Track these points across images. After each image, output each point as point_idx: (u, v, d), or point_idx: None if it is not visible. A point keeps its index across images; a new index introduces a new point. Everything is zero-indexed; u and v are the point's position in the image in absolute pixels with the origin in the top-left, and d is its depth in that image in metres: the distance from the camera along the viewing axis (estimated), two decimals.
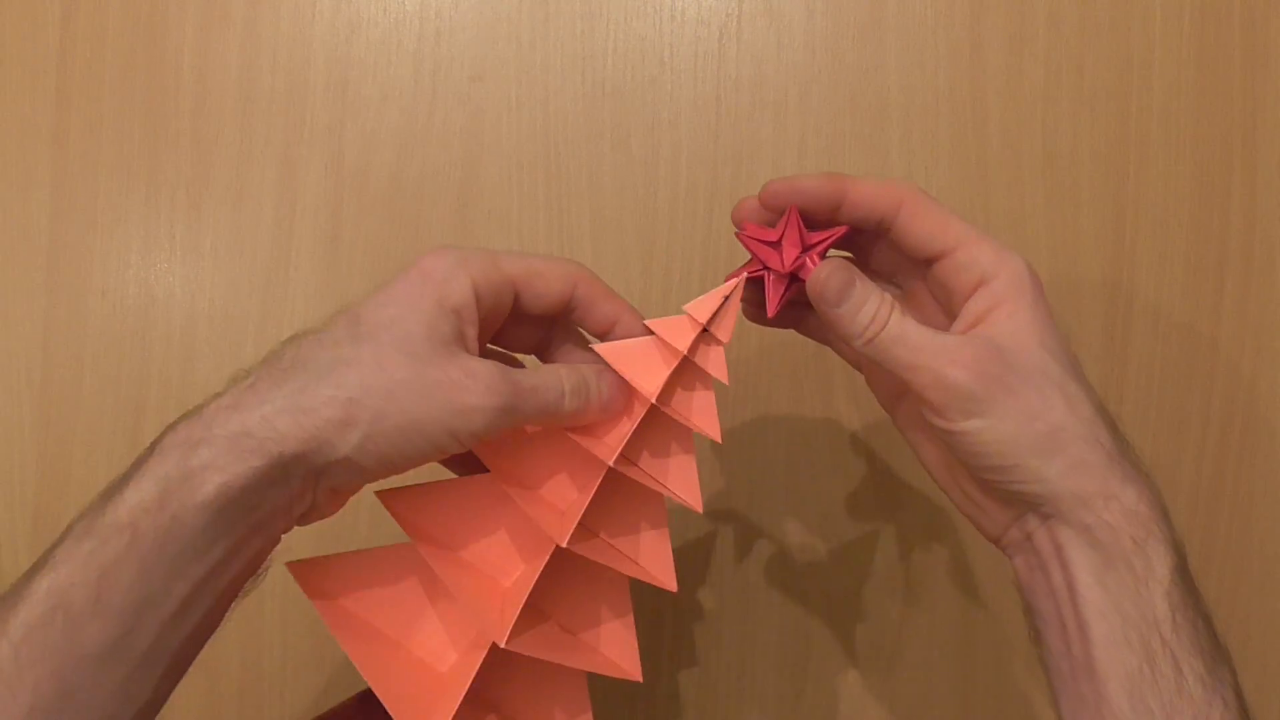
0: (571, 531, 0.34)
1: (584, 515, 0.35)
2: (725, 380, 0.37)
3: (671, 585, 0.37)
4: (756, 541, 0.53)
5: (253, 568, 0.33)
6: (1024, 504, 0.35)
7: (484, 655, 0.34)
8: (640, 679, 0.37)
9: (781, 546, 0.53)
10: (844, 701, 0.53)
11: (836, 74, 0.52)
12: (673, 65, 0.53)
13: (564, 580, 0.37)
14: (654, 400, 0.36)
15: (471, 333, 0.34)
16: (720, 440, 0.37)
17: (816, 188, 0.36)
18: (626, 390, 0.37)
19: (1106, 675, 0.33)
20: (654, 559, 0.38)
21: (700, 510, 0.37)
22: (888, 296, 0.36)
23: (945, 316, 0.38)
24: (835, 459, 0.53)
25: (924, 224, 0.36)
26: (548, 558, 0.35)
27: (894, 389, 0.39)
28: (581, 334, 0.40)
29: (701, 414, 0.38)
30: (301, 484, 0.32)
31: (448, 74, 0.54)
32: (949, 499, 0.39)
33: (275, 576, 0.35)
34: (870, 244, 0.39)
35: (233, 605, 0.34)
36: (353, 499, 0.35)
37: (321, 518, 0.35)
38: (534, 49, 0.53)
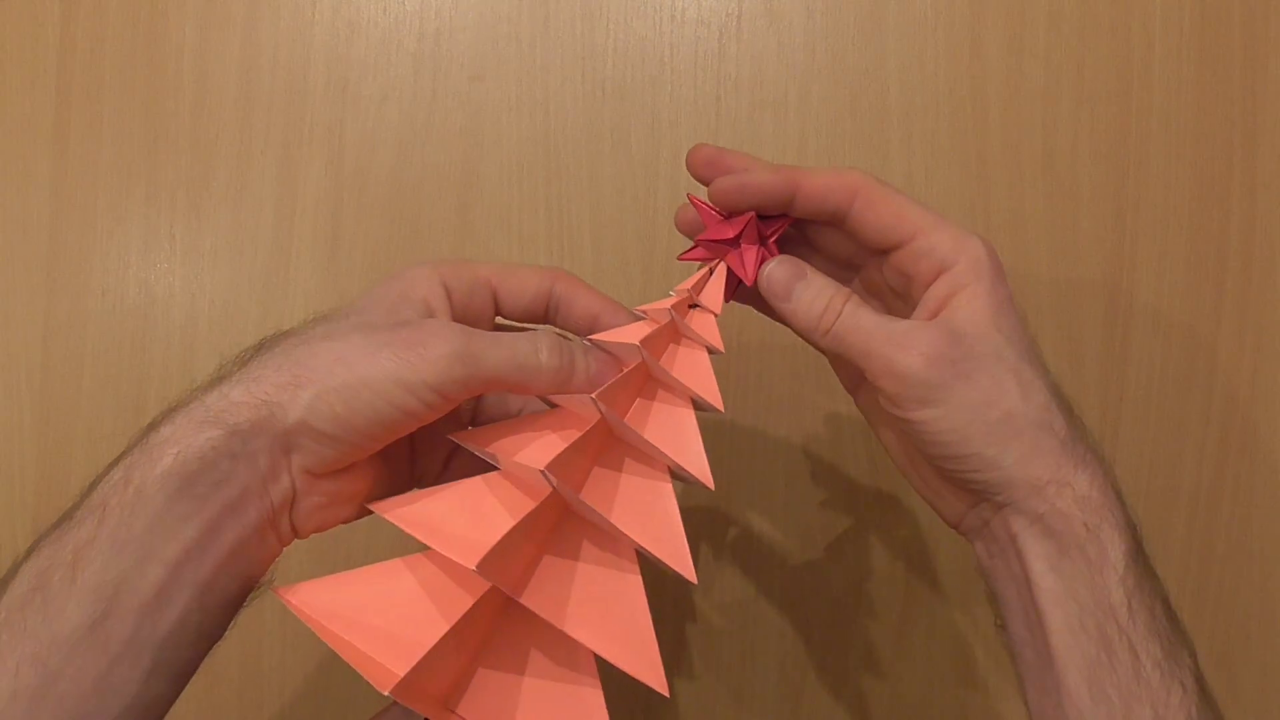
0: (551, 460, 0.31)
1: (585, 495, 0.34)
2: (720, 347, 0.36)
3: (689, 573, 0.34)
4: (756, 542, 0.53)
5: (246, 570, 0.32)
6: (979, 492, 0.35)
7: (475, 598, 0.32)
8: (665, 690, 0.33)
9: (781, 546, 0.53)
10: (844, 702, 0.53)
11: (836, 74, 0.52)
12: (673, 65, 0.53)
13: (569, 572, 0.35)
14: (638, 342, 0.34)
15: (443, 318, 0.34)
16: (722, 409, 0.35)
17: (769, 184, 0.36)
18: (618, 369, 0.36)
19: (1065, 664, 0.32)
20: (666, 542, 0.35)
21: (711, 485, 0.34)
22: (842, 288, 0.35)
23: (906, 305, 0.37)
24: (835, 459, 0.53)
25: (879, 214, 0.36)
26: (537, 503, 0.33)
27: (855, 374, 0.39)
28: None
29: (699, 382, 0.36)
30: (269, 459, 0.31)
31: (448, 74, 0.54)
32: (909, 483, 0.39)
33: (275, 575, 0.35)
34: (833, 232, 0.39)
35: (235, 617, 0.33)
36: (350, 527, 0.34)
37: (316, 526, 0.34)
38: (534, 49, 0.53)
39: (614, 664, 0.32)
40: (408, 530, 0.33)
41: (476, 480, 0.35)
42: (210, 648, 0.32)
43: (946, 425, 0.33)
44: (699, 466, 0.35)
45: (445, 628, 0.31)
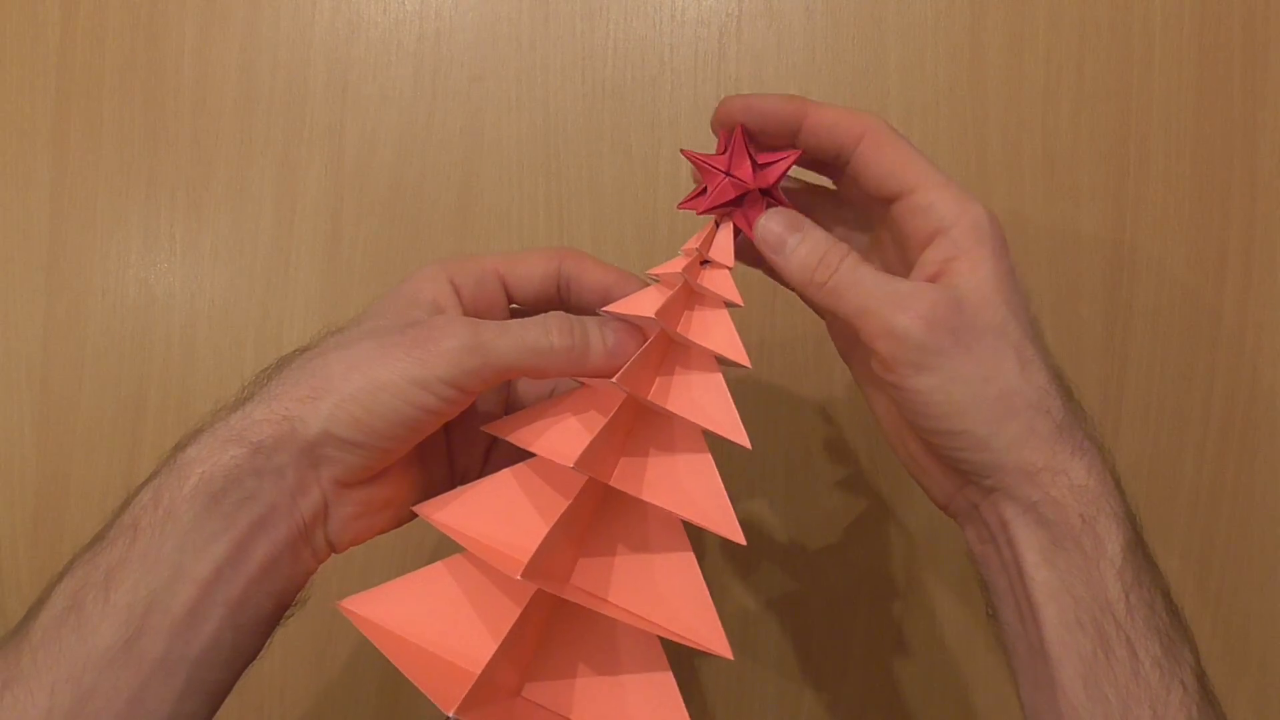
0: (581, 453, 0.31)
1: (619, 473, 0.33)
2: (738, 300, 0.34)
3: (738, 537, 0.33)
4: (755, 540, 0.53)
5: (278, 587, 0.32)
6: (967, 472, 0.33)
7: (522, 605, 0.32)
8: (728, 653, 0.32)
9: (782, 547, 0.53)
10: (844, 702, 0.53)
11: (836, 74, 0.52)
12: (673, 65, 0.53)
13: (615, 543, 0.35)
14: (654, 314, 0.33)
15: (454, 314, 0.34)
16: (749, 364, 0.33)
17: (774, 108, 0.35)
18: (637, 337, 0.35)
19: (1060, 660, 0.31)
20: (710, 511, 0.34)
21: (748, 444, 0.33)
22: (840, 243, 0.34)
23: (900, 268, 0.35)
24: (835, 459, 0.53)
25: (883, 159, 0.34)
26: (573, 496, 0.33)
27: (851, 336, 0.37)
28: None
29: (722, 341, 0.34)
30: (296, 474, 0.31)
31: (448, 74, 0.54)
32: (896, 457, 0.37)
33: (311, 593, 0.35)
34: (843, 181, 0.37)
35: (270, 636, 0.33)
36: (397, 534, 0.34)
37: (354, 538, 0.34)
38: (534, 49, 0.53)
39: (680, 638, 0.32)
40: (452, 536, 0.33)
41: (510, 475, 0.35)
42: (245, 667, 0.32)
43: (940, 397, 0.32)
44: (733, 429, 0.34)
45: (494, 646, 0.31)
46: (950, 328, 0.31)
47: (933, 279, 0.33)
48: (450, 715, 0.29)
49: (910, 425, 0.35)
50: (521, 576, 0.30)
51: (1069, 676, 0.31)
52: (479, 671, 0.30)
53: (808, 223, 0.34)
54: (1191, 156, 0.51)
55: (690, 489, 0.34)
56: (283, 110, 0.54)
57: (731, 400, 0.34)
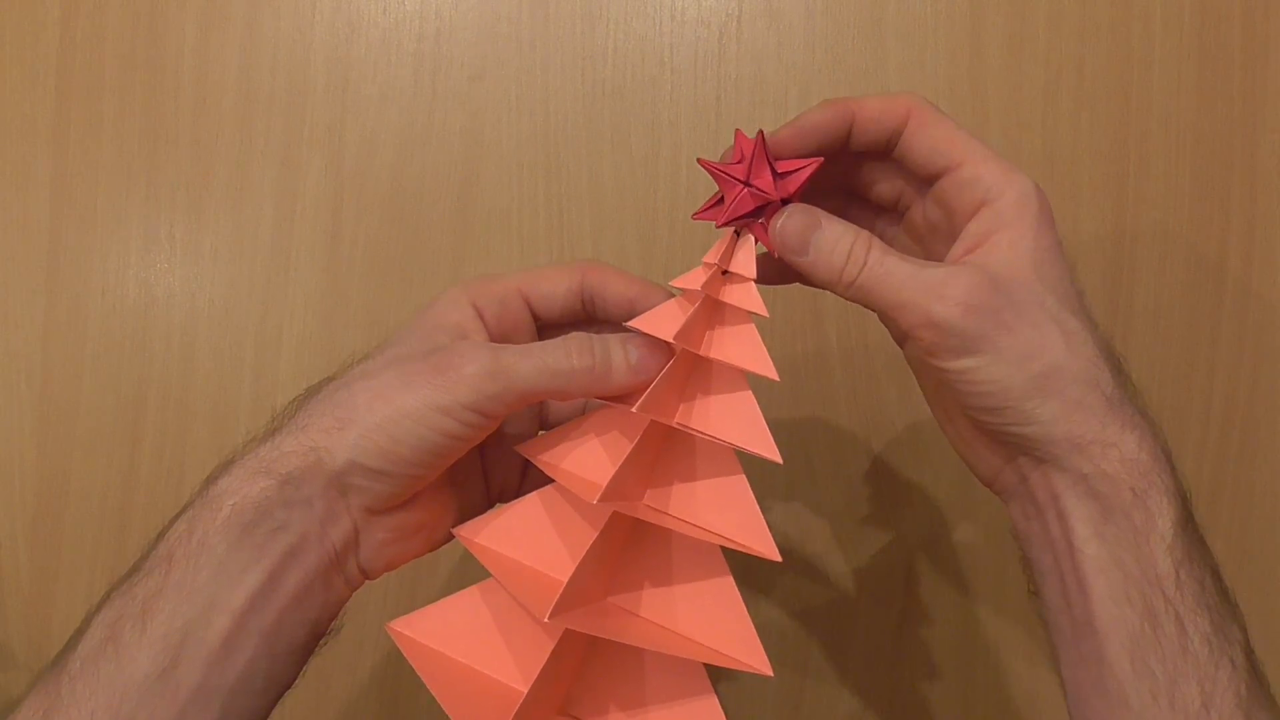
0: (605, 486, 0.31)
1: (650, 497, 0.33)
2: (762, 311, 0.34)
3: (772, 553, 0.33)
4: None
5: (311, 615, 0.33)
6: (1018, 447, 0.33)
7: (551, 644, 0.32)
8: (769, 671, 0.33)
9: (781, 547, 0.53)
10: (844, 701, 0.53)
11: (836, 74, 0.52)
12: (673, 65, 0.53)
13: (648, 567, 0.35)
14: (672, 339, 0.33)
15: (478, 338, 0.35)
16: (777, 377, 0.33)
17: (825, 121, 0.34)
18: (661, 350, 0.35)
19: (1107, 634, 0.31)
20: (744, 529, 0.33)
21: (779, 460, 0.33)
22: (864, 233, 0.33)
23: (944, 245, 0.35)
24: (835, 459, 0.53)
25: (930, 135, 0.34)
26: (599, 528, 0.32)
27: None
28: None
29: (748, 356, 0.34)
30: (324, 504, 0.32)
31: (448, 74, 0.54)
32: (945, 436, 0.37)
33: (344, 622, 0.35)
34: (868, 171, 0.37)
35: (304, 666, 0.34)
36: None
37: (387, 564, 0.34)
38: (534, 49, 0.53)
39: (723, 658, 0.32)
40: (487, 565, 0.33)
41: (549, 493, 0.35)
42: (280, 696, 0.33)
43: (985, 376, 0.31)
44: (764, 445, 0.33)
45: (530, 681, 0.31)
46: (989, 309, 0.31)
47: (972, 250, 0.33)
48: None
49: (958, 404, 0.34)
50: (549, 619, 0.30)
51: (1115, 652, 0.30)
52: (525, 690, 0.31)
53: (825, 216, 0.33)
54: (1191, 156, 0.51)
55: (723, 509, 0.34)
56: (283, 110, 0.54)
57: (761, 416, 0.33)
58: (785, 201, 0.34)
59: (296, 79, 0.54)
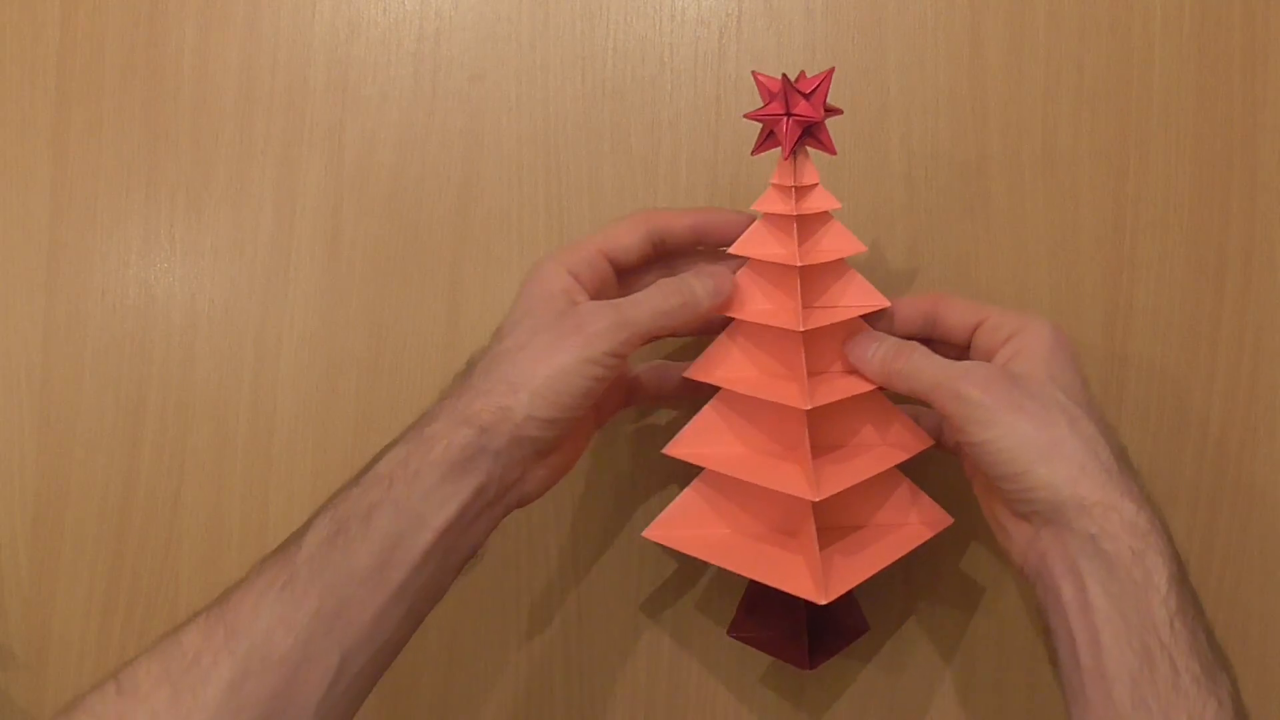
0: (810, 396, 0.41)
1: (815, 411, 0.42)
2: (837, 204, 0.43)
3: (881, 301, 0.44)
4: None
5: (475, 539, 0.40)
6: (1037, 516, 0.39)
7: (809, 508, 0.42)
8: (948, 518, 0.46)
9: None
10: (844, 702, 0.53)
11: (836, 74, 0.52)
12: (673, 65, 0.53)
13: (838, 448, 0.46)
14: (798, 264, 0.42)
15: (583, 299, 0.42)
16: (865, 249, 0.44)
17: (904, 318, 0.45)
18: (725, 272, 0.44)
19: (1114, 678, 0.35)
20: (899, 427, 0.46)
21: (888, 303, 0.44)
22: (909, 342, 0.43)
23: None
24: None
25: (957, 305, 0.44)
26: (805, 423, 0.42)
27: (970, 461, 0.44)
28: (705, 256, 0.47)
29: (844, 242, 0.44)
30: (507, 453, 0.39)
31: (448, 74, 0.54)
32: (991, 527, 0.43)
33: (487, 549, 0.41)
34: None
35: (453, 582, 0.41)
36: None
37: (538, 494, 0.42)
38: (534, 49, 0.53)
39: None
40: (701, 463, 0.45)
41: (718, 404, 0.45)
42: (431, 608, 0.40)
43: (1001, 445, 0.38)
44: (875, 298, 0.45)
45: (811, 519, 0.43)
46: (1004, 392, 0.39)
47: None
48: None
49: (984, 475, 0.40)
50: (809, 407, 0.41)
51: (1119, 692, 0.35)
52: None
53: (881, 334, 0.44)
54: (1191, 156, 0.51)
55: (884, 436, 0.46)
56: (283, 110, 0.54)
57: (867, 280, 0.45)
58: (829, 113, 0.42)
59: (296, 79, 0.54)
